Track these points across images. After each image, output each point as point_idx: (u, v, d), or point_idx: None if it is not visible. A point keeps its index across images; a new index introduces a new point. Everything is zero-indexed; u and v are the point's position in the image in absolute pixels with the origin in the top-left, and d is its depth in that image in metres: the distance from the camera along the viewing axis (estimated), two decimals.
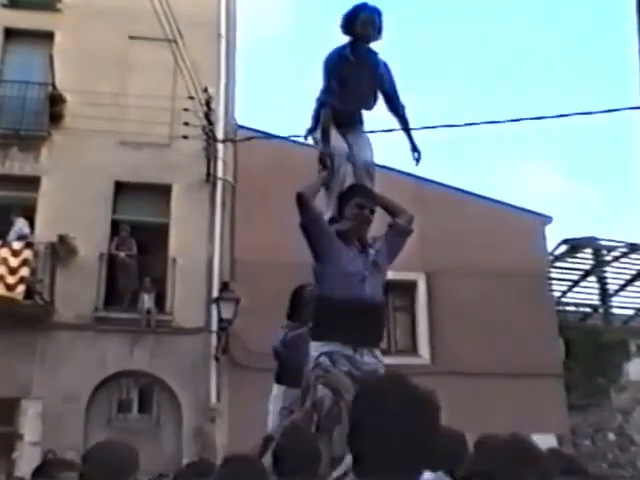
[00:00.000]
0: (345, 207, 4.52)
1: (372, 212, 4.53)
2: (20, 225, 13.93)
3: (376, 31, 4.94)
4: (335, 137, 4.93)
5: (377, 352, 4.36)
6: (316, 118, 5.07)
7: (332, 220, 4.57)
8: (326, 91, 5.01)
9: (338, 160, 4.89)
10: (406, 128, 5.17)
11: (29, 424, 13.06)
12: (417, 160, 5.14)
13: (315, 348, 4.23)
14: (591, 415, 16.89)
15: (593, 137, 42.50)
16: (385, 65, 5.13)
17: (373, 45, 5.05)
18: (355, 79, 4.94)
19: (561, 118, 12.20)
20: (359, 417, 1.93)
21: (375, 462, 1.86)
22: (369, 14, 4.90)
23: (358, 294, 4.27)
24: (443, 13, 44.11)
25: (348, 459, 3.91)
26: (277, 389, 6.06)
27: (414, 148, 5.15)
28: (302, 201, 4.35)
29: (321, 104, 5.05)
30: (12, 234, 13.77)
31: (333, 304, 4.26)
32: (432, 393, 1.99)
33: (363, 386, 2.14)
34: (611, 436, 16.77)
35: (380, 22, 4.94)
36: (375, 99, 5.18)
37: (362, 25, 4.88)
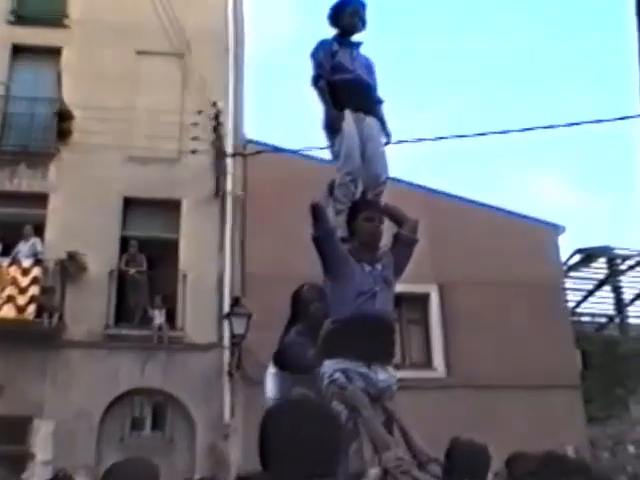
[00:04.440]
0: (354, 223, 4.44)
1: (381, 222, 4.45)
2: (33, 241, 13.91)
3: (361, 22, 5.24)
4: (350, 128, 4.84)
5: (390, 368, 4.25)
6: (323, 98, 5.00)
7: (343, 240, 4.44)
8: (318, 67, 5.06)
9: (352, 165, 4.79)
10: (380, 119, 5.18)
11: (41, 443, 12.94)
12: (386, 143, 5.19)
13: (329, 365, 4.11)
14: (610, 427, 16.68)
15: (604, 145, 42.34)
16: (367, 59, 5.29)
17: (358, 37, 5.31)
18: (349, 62, 5.09)
19: (572, 127, 12.10)
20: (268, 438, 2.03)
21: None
22: (355, 5, 5.22)
23: (369, 311, 4.17)
24: (452, 23, 44.12)
25: (372, 473, 3.81)
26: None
27: (386, 133, 5.20)
28: (317, 213, 4.23)
29: (316, 78, 5.04)
30: (24, 250, 13.70)
31: (345, 322, 4.15)
32: (335, 413, 2.26)
33: (270, 410, 2.17)
34: (631, 448, 16.53)
35: (364, 14, 5.27)
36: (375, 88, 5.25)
37: (350, 15, 5.19)
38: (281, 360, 5.38)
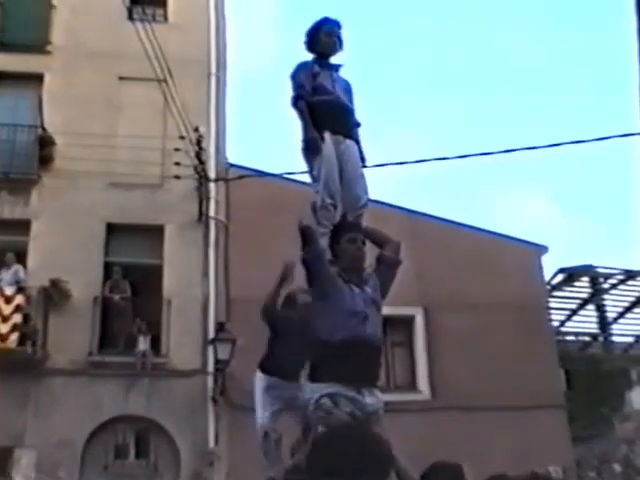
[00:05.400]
0: (336, 246, 4.43)
1: (363, 243, 4.46)
2: (15, 268, 13.79)
3: (339, 41, 5.25)
4: (329, 150, 4.85)
5: (377, 392, 4.23)
6: (303, 118, 5.00)
7: (330, 263, 4.44)
8: (299, 87, 5.06)
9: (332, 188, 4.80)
10: (357, 142, 5.19)
11: (22, 474, 12.73)
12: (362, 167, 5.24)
13: (316, 389, 4.09)
14: (595, 446, 16.67)
15: (585, 165, 42.78)
16: (347, 82, 5.30)
17: (336, 59, 5.32)
18: (329, 84, 5.10)
19: (553, 147, 12.18)
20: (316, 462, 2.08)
21: None
22: (330, 26, 5.24)
23: (360, 334, 4.14)
24: (439, 45, 44.53)
25: None
26: (267, 380, 5.82)
27: (361, 157, 5.20)
28: (307, 235, 4.22)
29: (296, 98, 5.04)
30: (7, 278, 13.60)
31: (334, 345, 4.12)
32: (386, 440, 2.22)
33: (322, 433, 2.20)
34: (617, 467, 16.52)
35: (341, 33, 5.27)
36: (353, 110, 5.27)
37: (326, 36, 5.20)
38: (268, 366, 5.31)
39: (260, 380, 5.98)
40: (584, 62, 45.96)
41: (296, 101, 5.03)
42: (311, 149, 4.89)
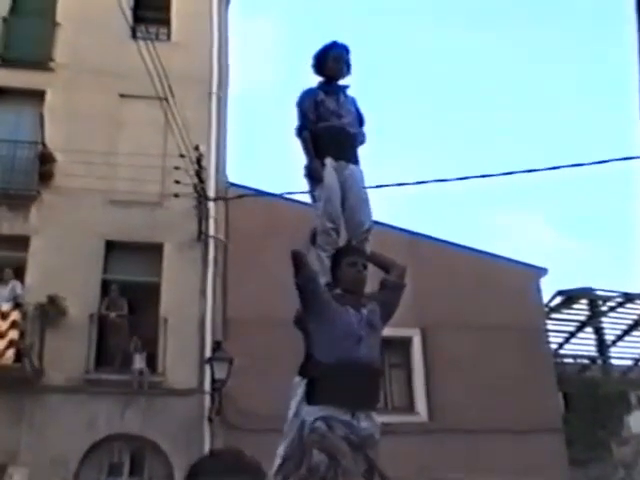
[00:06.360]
0: (337, 269, 4.45)
1: (364, 267, 4.45)
2: (13, 284, 13.75)
3: (346, 66, 5.23)
4: (330, 177, 4.86)
5: (373, 415, 4.21)
6: (306, 148, 5.03)
7: (327, 285, 4.44)
8: (303, 117, 5.09)
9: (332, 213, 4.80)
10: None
11: None
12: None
13: (311, 412, 4.08)
14: (593, 469, 16.56)
15: (584, 188, 42.86)
16: (354, 100, 5.31)
17: (344, 81, 5.30)
18: (335, 110, 5.10)
19: (553, 170, 12.19)
20: None
21: None
22: (339, 50, 5.21)
23: (354, 356, 4.14)
24: (439, 65, 44.76)
25: None
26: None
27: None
28: (298, 260, 4.25)
29: (300, 128, 5.07)
30: (4, 294, 13.55)
31: (329, 367, 4.12)
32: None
33: (196, 462, 2.20)
34: None
35: (349, 58, 5.24)
36: (362, 132, 5.28)
37: (333, 61, 5.19)
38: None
39: None
40: (585, 78, 46.15)
41: (300, 131, 5.07)
42: (313, 177, 4.92)
